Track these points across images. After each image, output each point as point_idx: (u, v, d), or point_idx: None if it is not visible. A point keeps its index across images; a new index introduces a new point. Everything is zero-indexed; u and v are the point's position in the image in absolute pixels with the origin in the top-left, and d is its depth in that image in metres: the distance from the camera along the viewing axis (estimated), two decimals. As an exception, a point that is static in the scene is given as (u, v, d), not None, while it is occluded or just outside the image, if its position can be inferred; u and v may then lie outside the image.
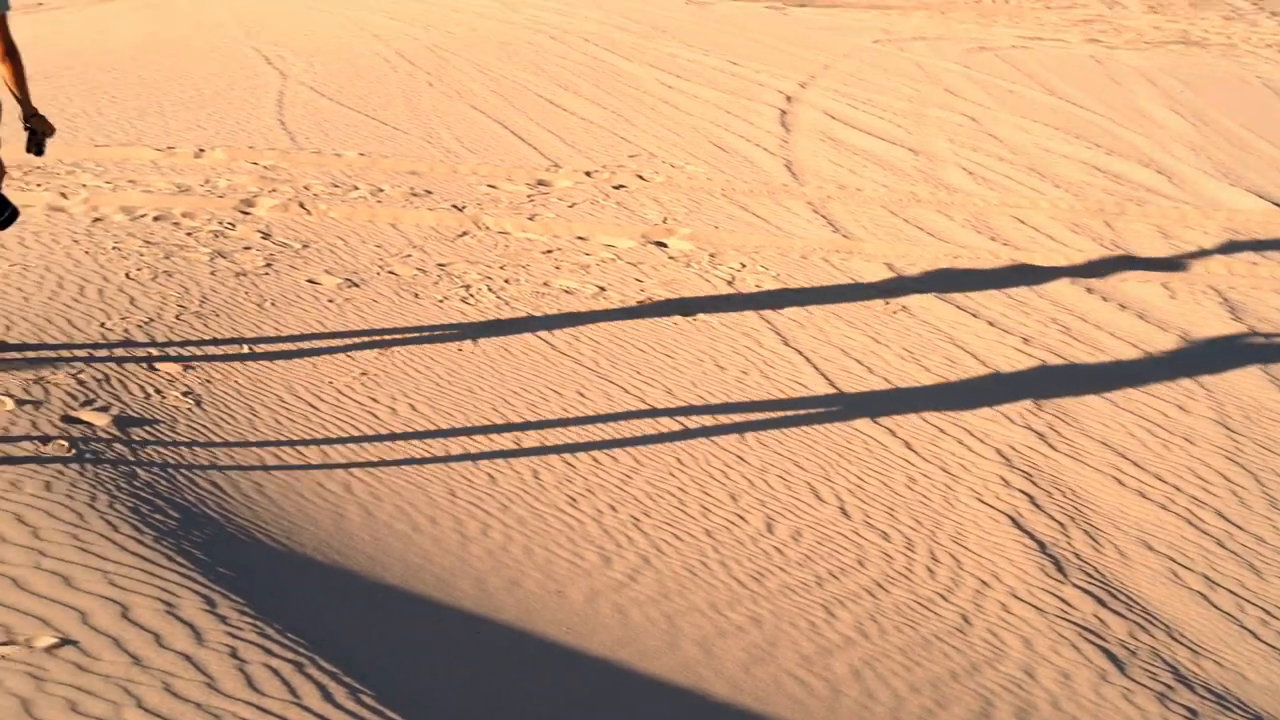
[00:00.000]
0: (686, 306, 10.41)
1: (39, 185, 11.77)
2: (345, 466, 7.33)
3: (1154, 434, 8.97)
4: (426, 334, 9.44)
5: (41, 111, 8.13)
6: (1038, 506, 7.92)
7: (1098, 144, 16.22)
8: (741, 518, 7.44)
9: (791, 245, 11.99)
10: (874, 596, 6.84)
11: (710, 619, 6.41)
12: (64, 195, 11.71)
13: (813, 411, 8.83)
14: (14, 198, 11.35)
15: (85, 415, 7.26)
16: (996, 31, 24.73)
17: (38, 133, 7.79)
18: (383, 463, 7.46)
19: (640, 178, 13.84)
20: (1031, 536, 7.58)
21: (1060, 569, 7.28)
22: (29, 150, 7.94)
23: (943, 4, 28.40)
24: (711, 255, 11.64)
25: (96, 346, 8.39)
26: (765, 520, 7.44)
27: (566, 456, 7.82)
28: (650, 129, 16.03)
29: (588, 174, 13.86)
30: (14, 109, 7.49)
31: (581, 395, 8.70)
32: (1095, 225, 13.14)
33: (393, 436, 7.81)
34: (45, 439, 6.78)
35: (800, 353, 9.74)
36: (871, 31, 24.14)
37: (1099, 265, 12.01)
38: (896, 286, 11.22)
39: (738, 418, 8.62)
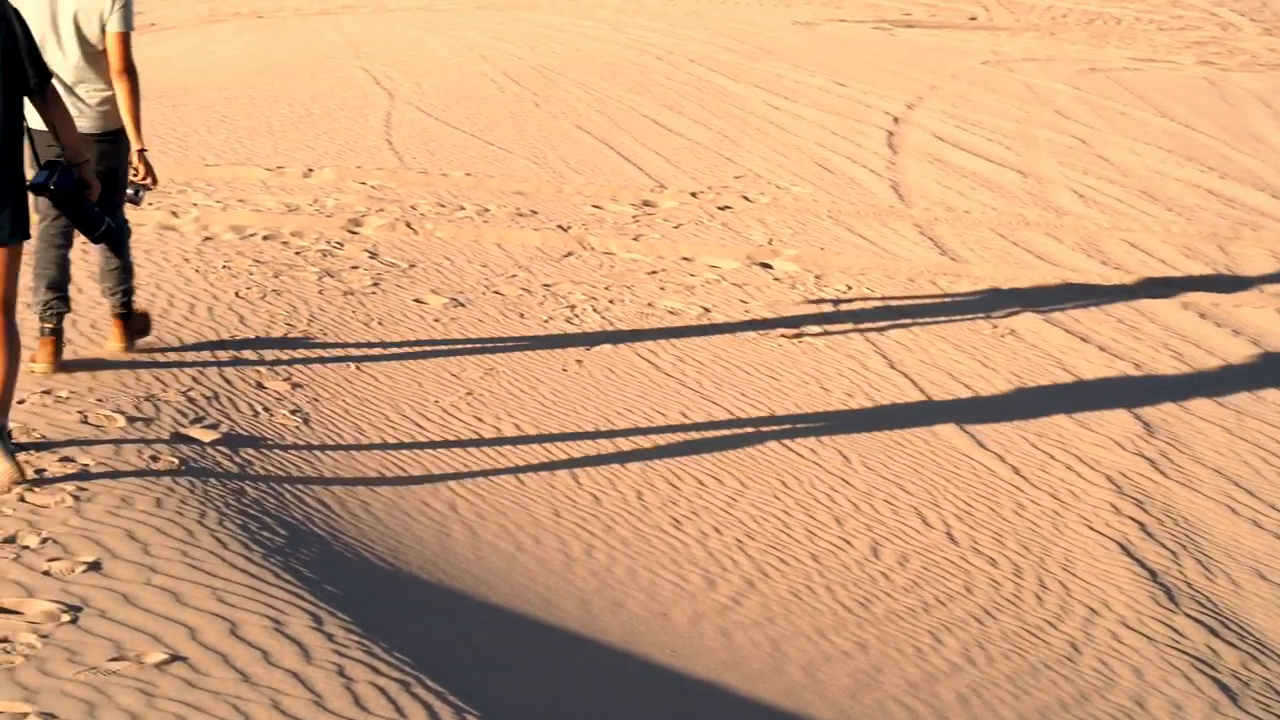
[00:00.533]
0: (792, 328, 10.36)
1: (151, 204, 11.91)
2: (450, 485, 7.35)
3: (1268, 462, 8.83)
4: (531, 354, 9.46)
5: (148, 142, 8.23)
6: (1149, 534, 7.80)
7: (1211, 167, 16.00)
8: (847, 542, 7.39)
9: (898, 267, 11.92)
10: (981, 623, 6.76)
11: (815, 644, 6.36)
12: (175, 214, 11.86)
13: (919, 435, 8.76)
14: (129, 214, 11.50)
15: (195, 432, 7.33)
16: (1108, 53, 24.49)
17: (141, 181, 7.91)
18: (488, 482, 7.47)
19: (745, 199, 13.82)
20: (1142, 565, 7.46)
21: (1171, 598, 7.16)
22: (129, 198, 8.01)
23: (1052, 25, 28.17)
24: (817, 277, 11.59)
25: (206, 364, 8.48)
26: (871, 545, 7.38)
27: (671, 478, 7.80)
28: (756, 150, 16.00)
29: (693, 195, 13.85)
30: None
31: (686, 416, 8.68)
32: (1208, 249, 12.96)
33: (498, 456, 7.82)
34: (156, 456, 6.84)
35: (907, 376, 9.67)
36: (980, 52, 23.98)
37: (1212, 290, 11.84)
38: (1005, 310, 11.12)
39: (843, 441, 8.56)
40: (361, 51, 21.88)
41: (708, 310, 10.62)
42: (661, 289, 11.03)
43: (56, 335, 7.92)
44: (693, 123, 17.28)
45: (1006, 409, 9.26)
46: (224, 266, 10.54)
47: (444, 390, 8.69)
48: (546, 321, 10.10)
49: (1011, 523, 7.80)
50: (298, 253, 11.13)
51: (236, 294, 9.89)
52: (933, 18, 28.69)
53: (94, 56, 7.92)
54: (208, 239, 11.32)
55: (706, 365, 9.55)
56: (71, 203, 6.66)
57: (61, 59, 7.87)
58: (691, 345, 9.88)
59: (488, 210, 12.82)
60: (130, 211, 8.52)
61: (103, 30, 7.88)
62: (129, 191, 8.02)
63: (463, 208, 12.85)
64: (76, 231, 7.70)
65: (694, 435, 8.43)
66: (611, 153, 15.52)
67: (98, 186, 6.79)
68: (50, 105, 6.54)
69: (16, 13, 6.44)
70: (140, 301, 8.94)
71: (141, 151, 7.95)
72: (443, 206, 12.86)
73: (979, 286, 11.63)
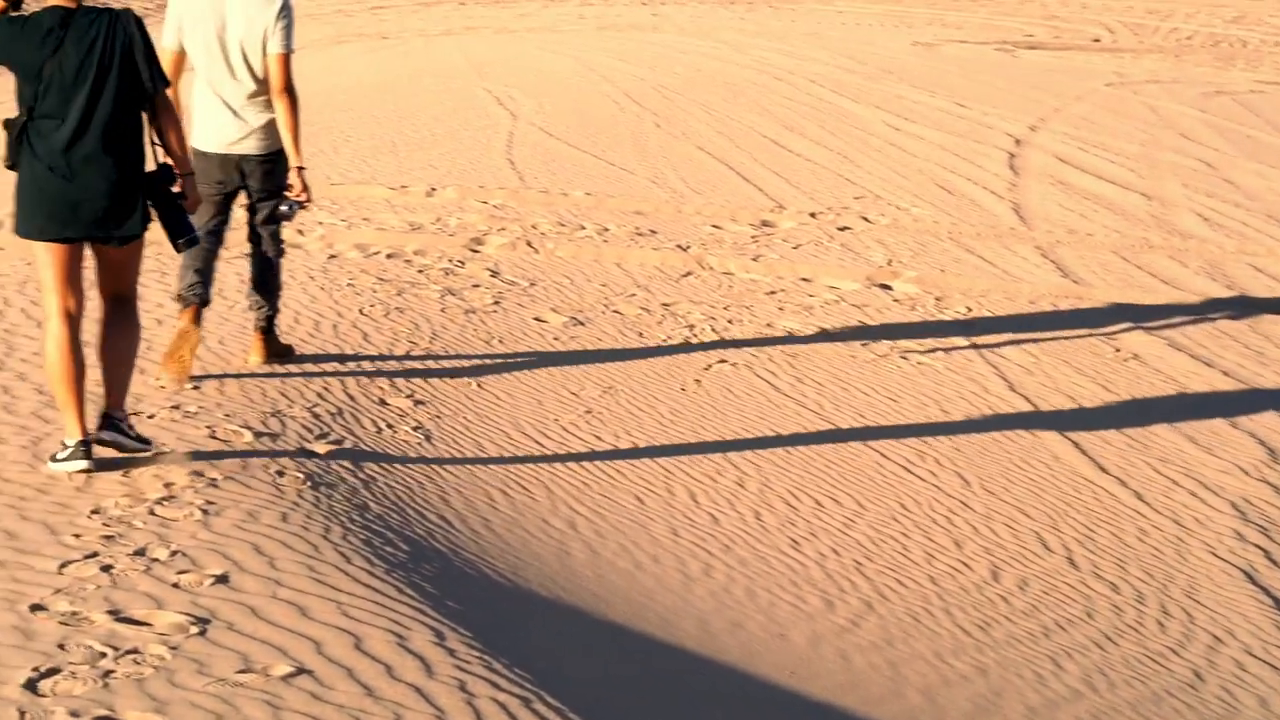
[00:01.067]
0: (911, 350, 10.33)
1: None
2: (570, 503, 7.39)
3: (1399, 490, 8.67)
4: (650, 373, 9.50)
5: (306, 160, 8.49)
6: (1274, 562, 7.69)
7: (1339, 189, 15.74)
8: (966, 565, 7.35)
9: (1019, 290, 11.84)
10: (1102, 649, 6.70)
11: (934, 667, 6.33)
12: (300, 232, 12.02)
13: (1040, 459, 8.69)
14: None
15: (320, 448, 7.44)
16: (1233, 75, 24.18)
17: (297, 197, 8.19)
18: (607, 500, 7.51)
19: (865, 219, 13.79)
20: (1267, 593, 7.36)
21: (1298, 628, 7.05)
22: (282, 215, 8.32)
23: (1177, 47, 27.85)
24: (937, 299, 11.54)
25: (330, 381, 8.59)
26: (991, 568, 7.34)
27: (789, 499, 7.80)
28: (876, 171, 15.96)
29: (812, 215, 13.84)
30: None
31: (804, 437, 8.67)
32: (1336, 273, 12.74)
33: (617, 475, 7.86)
34: (282, 471, 6.95)
35: (1027, 399, 9.59)
36: (1103, 74, 23.76)
37: (1340, 314, 11.64)
38: (1127, 333, 11.00)
39: (962, 464, 8.51)
40: (484, 72, 22.08)
41: (827, 331, 10.61)
42: (780, 309, 11.03)
43: (196, 309, 8.08)
44: (812, 143, 17.27)
45: (1129, 433, 9.16)
46: (348, 284, 10.68)
47: (563, 408, 8.74)
48: (665, 341, 10.14)
49: (1134, 548, 7.72)
50: (420, 271, 11.25)
51: (360, 311, 10.02)
52: (1056, 39, 28.46)
53: (260, 80, 8.17)
54: (332, 257, 11.47)
55: (825, 386, 9.54)
56: (162, 205, 6.84)
57: (231, 84, 8.17)
58: (810, 366, 9.87)
59: (608, 229, 12.89)
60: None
61: (264, 51, 8.12)
62: (284, 208, 8.27)
63: (583, 227, 12.93)
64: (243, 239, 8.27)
65: (812, 456, 8.42)
66: (731, 173, 15.55)
67: (197, 199, 7.02)
68: (160, 113, 6.84)
69: (139, 21, 6.77)
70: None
71: (300, 169, 8.20)
72: (563, 226, 12.94)
73: (1101, 310, 11.52)
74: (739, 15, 27.95)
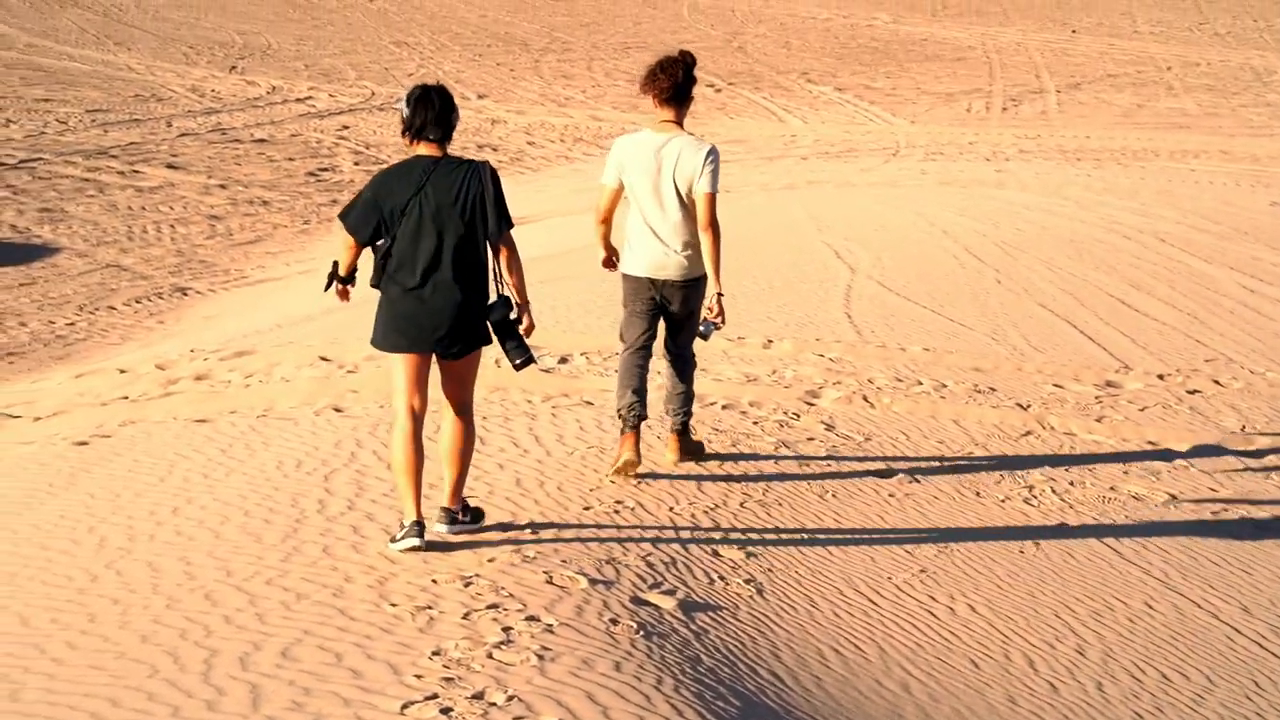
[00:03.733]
0: (1265, 523, 9.89)
1: (617, 371, 12.30)
2: (903, 665, 7.25)
3: None
4: (987, 533, 9.30)
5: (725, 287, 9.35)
6: None
7: None
8: (1324, 751, 6.95)
9: (1382, 460, 11.26)
10: None
11: None
12: (641, 381, 12.19)
13: (1406, 641, 8.19)
14: (598, 382, 11.91)
15: (653, 598, 7.46)
16: None
17: (713, 318, 9.10)
18: (941, 663, 7.34)
19: (1216, 383, 13.34)
20: None
21: None
22: (700, 334, 9.30)
23: None
24: (1293, 467, 11.06)
25: (664, 529, 8.64)
26: (1351, 756, 6.92)
27: (1134, 670, 7.51)
28: (1228, 333, 15.45)
29: (1160, 377, 13.46)
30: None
31: (1149, 607, 8.37)
32: None
33: (951, 637, 7.69)
34: (616, 619, 6.99)
35: (1392, 576, 9.08)
36: None
37: None
38: None
39: (1321, 642, 8.09)
40: (824, 226, 22.20)
41: (1174, 498, 10.24)
42: (1125, 473, 10.71)
43: (635, 431, 9.27)
44: (1161, 303, 16.83)
45: None
46: (685, 434, 10.75)
47: (897, 566, 8.61)
48: (1003, 501, 9.93)
49: None
50: (755, 423, 11.27)
51: (695, 460, 10.07)
52: None
53: (687, 213, 9.23)
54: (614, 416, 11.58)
55: (1171, 554, 9.19)
56: (502, 332, 7.88)
57: (661, 216, 9.24)
58: (1156, 532, 9.53)
59: (945, 386, 12.75)
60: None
61: (691, 190, 9.17)
62: (701, 329, 9.21)
63: (920, 382, 12.81)
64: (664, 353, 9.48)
65: (1157, 627, 8.10)
66: (1074, 331, 15.24)
67: (532, 326, 8.03)
68: (504, 251, 7.92)
69: (493, 173, 7.93)
70: (604, 466, 9.20)
71: (719, 295, 9.13)
72: (900, 381, 12.84)
73: None
74: (1086, 172, 27.58)
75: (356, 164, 27.54)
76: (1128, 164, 28.80)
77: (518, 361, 7.89)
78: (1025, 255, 19.55)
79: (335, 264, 8.00)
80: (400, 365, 7.88)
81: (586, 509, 8.79)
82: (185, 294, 19.74)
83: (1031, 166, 28.27)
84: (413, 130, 7.84)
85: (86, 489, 9.51)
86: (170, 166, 26.55)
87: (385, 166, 8.16)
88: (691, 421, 9.75)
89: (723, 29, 44.10)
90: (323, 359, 12.75)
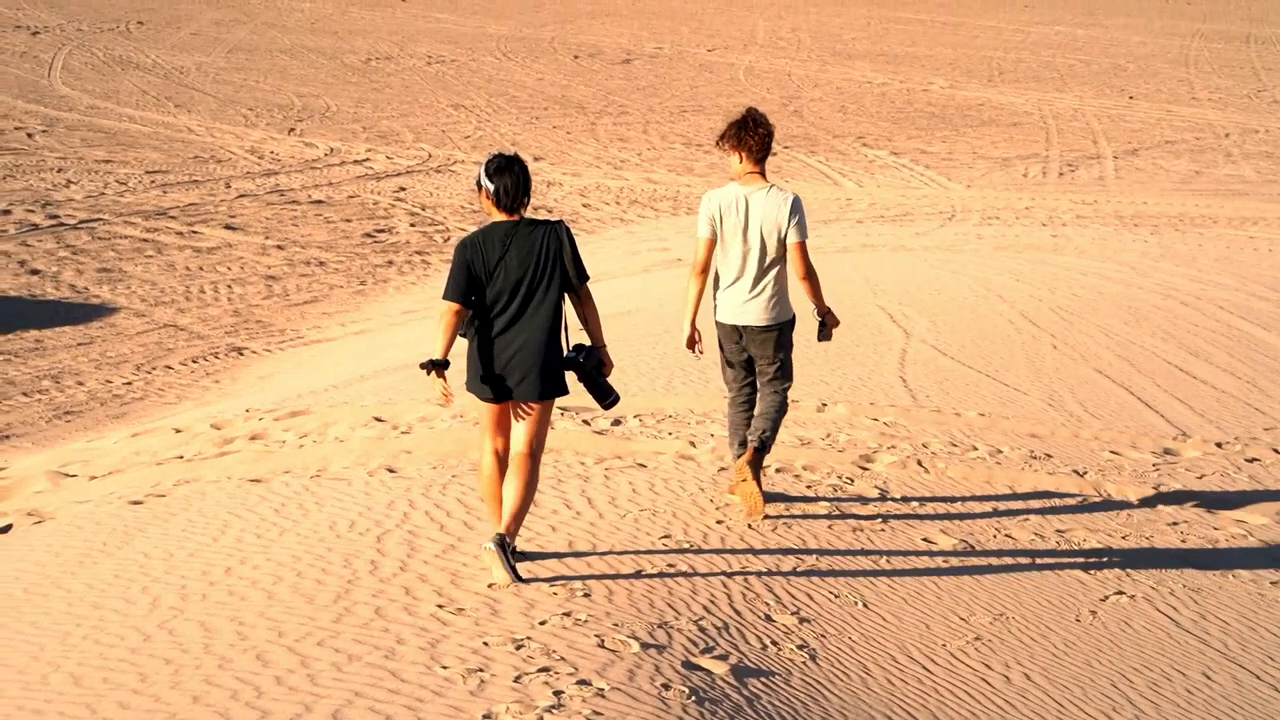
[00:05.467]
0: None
1: (670, 434, 12.28)
2: (957, 734, 7.17)
3: None
4: (1043, 601, 9.21)
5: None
6: None
7: None
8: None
9: None
10: None
11: None
12: (693, 444, 12.17)
13: None
14: (651, 444, 11.90)
15: (705, 662, 7.42)
16: None
17: (827, 324, 10.13)
18: (996, 733, 7.26)
19: (1275, 451, 13.20)
20: None
21: None
22: (820, 339, 10.22)
23: None
24: (1354, 536, 10.92)
25: (716, 593, 8.59)
26: None
27: (1191, 743, 7.41)
28: (1286, 400, 15.31)
29: (1218, 445, 13.34)
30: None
31: (1207, 678, 8.26)
32: None
33: (1007, 706, 7.60)
34: (668, 684, 6.95)
35: None
36: None
37: None
38: None
39: (1383, 716, 7.96)
40: (879, 290, 22.17)
41: (1234, 567, 10.13)
42: (1183, 541, 10.60)
43: (756, 479, 9.69)
44: (1220, 370, 16.70)
45: None
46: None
47: (952, 633, 8.54)
48: (1059, 569, 9.84)
49: None
50: (808, 487, 11.23)
51: (749, 525, 10.04)
52: None
53: (773, 261, 9.78)
54: (722, 469, 11.55)
55: (1231, 625, 9.08)
56: (589, 377, 8.54)
57: (746, 265, 9.77)
58: (1215, 603, 9.42)
59: (1000, 451, 12.67)
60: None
61: (779, 240, 9.74)
62: (820, 333, 10.15)
63: (975, 448, 12.74)
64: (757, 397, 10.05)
65: (1216, 698, 7.99)
66: (1131, 398, 15.13)
67: (611, 365, 8.67)
68: (584, 302, 8.60)
69: (568, 231, 8.57)
70: (656, 528, 9.16)
71: (826, 311, 10.09)
72: (955, 446, 12.77)
73: None
74: (1143, 238, 27.45)
75: (413, 225, 27.69)
76: (1185, 230, 28.69)
77: (604, 402, 8.60)
78: (1081, 321, 19.45)
79: (431, 360, 8.34)
80: (485, 411, 8.61)
81: (639, 573, 8.76)
82: (241, 353, 19.85)
83: (1088, 232, 28.19)
84: (505, 203, 8.42)
85: (141, 548, 9.55)
86: (228, 227, 26.76)
87: (465, 236, 9.00)
88: (761, 474, 9.89)
89: (779, 93, 44.24)
90: (377, 419, 12.79)
